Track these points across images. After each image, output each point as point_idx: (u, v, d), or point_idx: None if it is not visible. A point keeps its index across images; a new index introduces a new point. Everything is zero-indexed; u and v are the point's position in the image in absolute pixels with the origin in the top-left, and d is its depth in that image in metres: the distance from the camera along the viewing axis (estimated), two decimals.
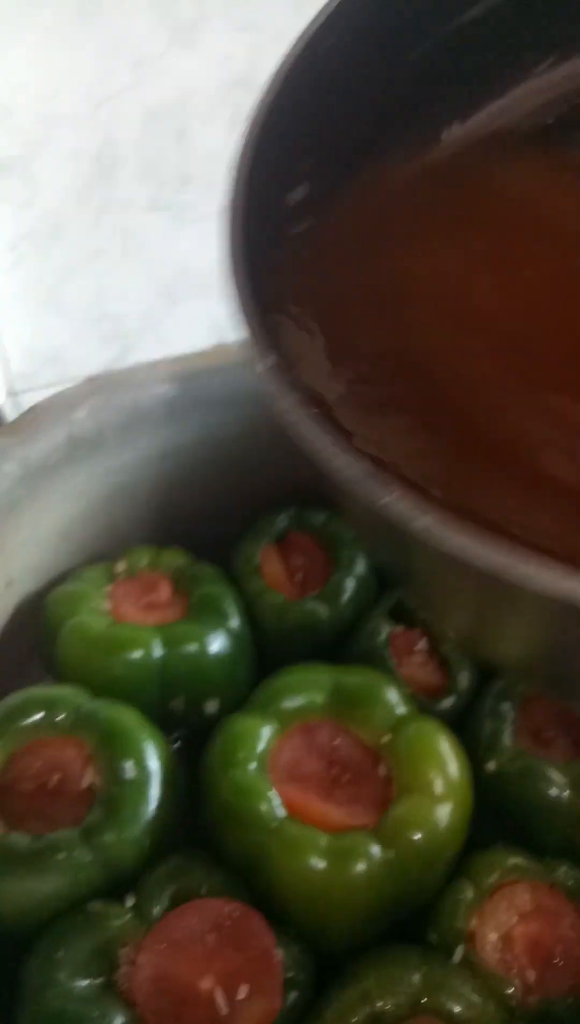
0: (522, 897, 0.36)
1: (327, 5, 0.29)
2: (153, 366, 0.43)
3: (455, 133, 0.32)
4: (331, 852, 0.34)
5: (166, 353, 0.75)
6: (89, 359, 0.71)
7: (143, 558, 0.45)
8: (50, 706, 0.38)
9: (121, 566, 0.45)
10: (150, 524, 0.47)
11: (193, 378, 0.44)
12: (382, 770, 0.37)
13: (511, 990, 0.34)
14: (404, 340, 0.25)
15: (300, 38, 0.29)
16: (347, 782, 0.36)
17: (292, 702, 0.38)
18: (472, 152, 0.32)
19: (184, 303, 0.72)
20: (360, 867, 0.34)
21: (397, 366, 0.24)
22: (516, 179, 0.32)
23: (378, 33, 0.28)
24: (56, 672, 0.41)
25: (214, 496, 0.48)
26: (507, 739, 0.40)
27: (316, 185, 0.29)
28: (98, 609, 0.42)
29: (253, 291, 0.23)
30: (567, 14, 0.30)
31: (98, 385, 0.42)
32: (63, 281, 0.66)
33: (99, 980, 0.32)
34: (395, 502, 0.18)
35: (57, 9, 0.57)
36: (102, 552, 0.46)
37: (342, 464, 0.19)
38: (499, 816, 0.39)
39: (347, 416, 0.23)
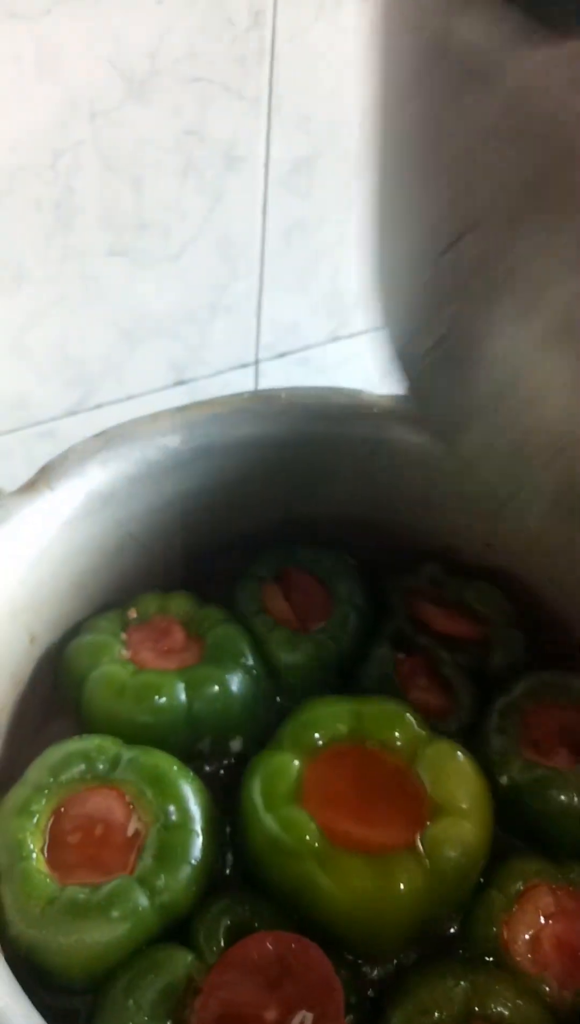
0: (545, 900, 0.39)
1: None
2: (155, 419, 0.44)
3: None
4: (376, 875, 0.36)
5: (127, 394, 0.76)
6: (54, 403, 0.71)
7: (152, 604, 0.47)
8: (88, 757, 0.38)
9: (133, 613, 0.46)
10: (156, 570, 0.48)
11: (194, 427, 0.45)
12: (410, 788, 0.39)
13: (547, 988, 0.36)
14: None
15: None
16: (380, 801, 0.39)
17: (318, 734, 0.40)
18: None
19: (143, 345, 0.73)
20: (403, 886, 0.36)
21: None
22: None
23: None
24: (81, 722, 0.42)
25: (215, 539, 0.50)
26: (516, 753, 0.43)
27: None
28: (119, 658, 0.43)
29: None
30: None
31: (107, 440, 0.43)
32: (27, 327, 0.66)
33: (169, 1022, 0.33)
34: None
35: (18, 65, 0.57)
36: (112, 601, 0.47)
37: None
38: (515, 825, 0.42)
39: None
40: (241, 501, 0.49)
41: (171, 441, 0.44)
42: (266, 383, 0.84)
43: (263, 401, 0.46)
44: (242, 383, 0.83)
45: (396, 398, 0.49)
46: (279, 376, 0.84)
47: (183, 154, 0.66)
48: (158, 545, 0.47)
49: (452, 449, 0.42)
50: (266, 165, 0.69)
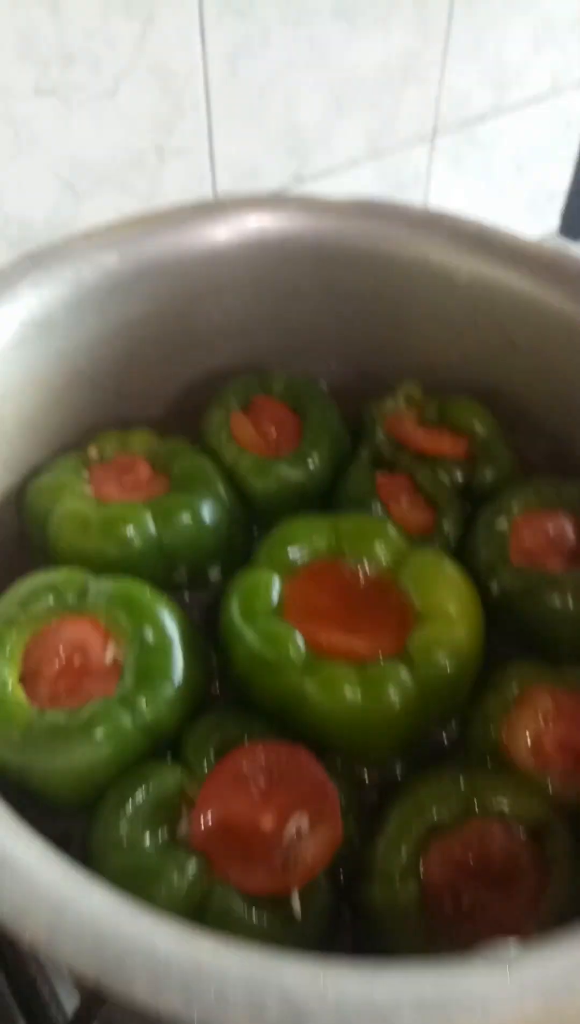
0: (544, 702, 0.37)
1: None
2: (88, 236, 0.41)
3: None
4: (364, 682, 0.34)
5: None
6: None
7: (112, 442, 0.44)
8: (57, 589, 0.37)
9: (93, 452, 0.43)
10: (113, 408, 0.45)
11: (132, 244, 0.41)
12: (395, 599, 0.37)
13: (549, 787, 0.35)
14: None
15: None
16: (365, 613, 0.37)
17: (296, 551, 0.39)
18: None
19: (89, 200, 0.68)
20: (393, 692, 0.34)
21: None
22: None
23: None
24: (49, 563, 0.40)
25: (173, 372, 0.47)
26: (505, 562, 0.41)
27: None
28: (83, 495, 0.41)
29: None
30: None
31: (36, 261, 0.39)
32: None
33: (164, 836, 0.32)
34: None
35: None
36: (69, 442, 0.44)
37: None
38: (508, 634, 0.40)
39: None
40: (197, 329, 0.46)
41: (108, 259, 0.40)
42: None
43: (210, 211, 0.42)
44: None
45: (358, 202, 0.45)
46: None
47: None
48: (110, 382, 0.44)
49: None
50: None
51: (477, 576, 0.40)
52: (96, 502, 0.40)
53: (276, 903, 0.31)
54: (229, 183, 0.76)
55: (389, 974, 0.22)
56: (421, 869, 0.32)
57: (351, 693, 0.34)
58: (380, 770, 0.37)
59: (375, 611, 0.37)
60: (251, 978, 0.21)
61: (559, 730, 0.37)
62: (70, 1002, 0.39)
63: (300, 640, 0.35)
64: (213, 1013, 0.21)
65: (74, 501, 0.40)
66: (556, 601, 0.39)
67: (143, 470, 0.43)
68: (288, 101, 0.74)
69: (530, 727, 0.37)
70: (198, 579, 0.41)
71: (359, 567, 0.38)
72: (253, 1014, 0.21)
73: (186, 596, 0.41)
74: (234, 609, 0.36)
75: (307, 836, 0.32)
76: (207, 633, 0.38)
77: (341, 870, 0.33)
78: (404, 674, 0.35)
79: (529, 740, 0.37)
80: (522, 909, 0.31)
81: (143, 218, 0.42)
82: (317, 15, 0.70)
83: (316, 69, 0.73)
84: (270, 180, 0.79)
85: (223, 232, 0.43)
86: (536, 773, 0.36)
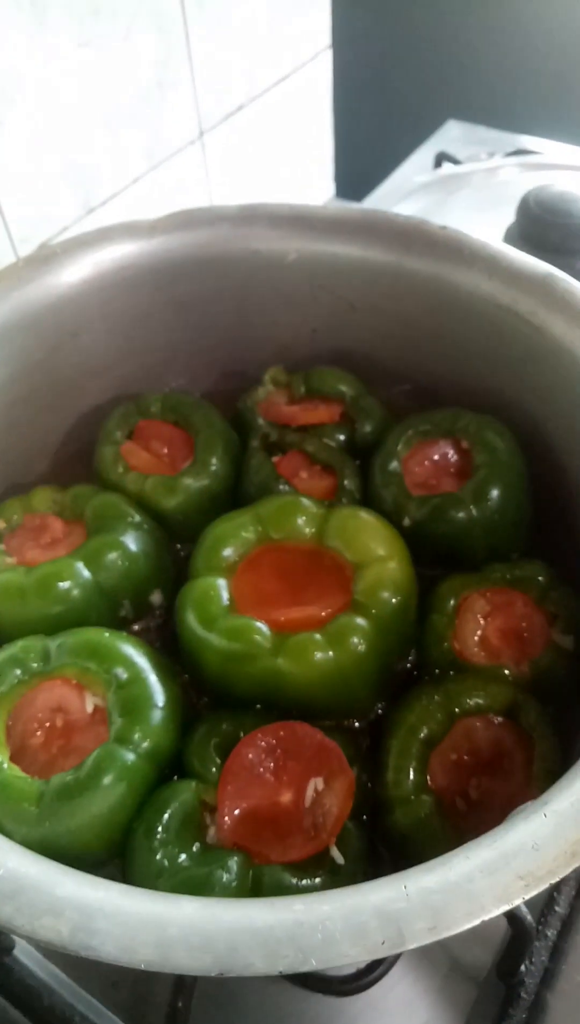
0: (479, 604, 0.42)
1: None
2: None
3: None
4: (329, 641, 0.37)
5: None
6: None
7: (15, 509, 0.45)
8: (18, 660, 0.37)
9: (1, 524, 0.44)
10: (3, 476, 0.46)
11: None
12: (330, 561, 0.41)
13: (507, 671, 0.40)
14: None
15: None
16: (309, 583, 0.40)
17: (229, 550, 0.41)
18: None
19: None
20: (356, 640, 0.38)
21: None
22: None
23: None
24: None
25: (51, 424, 0.48)
26: (407, 496, 0.45)
27: None
28: (8, 566, 0.42)
29: None
30: None
31: None
32: None
33: (199, 847, 0.34)
34: None
35: None
36: None
37: None
38: (430, 558, 0.44)
39: None
40: (62, 376, 0.47)
41: None
42: None
43: (46, 261, 0.44)
44: None
45: (175, 215, 0.47)
46: None
47: None
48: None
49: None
50: None
51: (388, 517, 0.43)
52: (24, 569, 0.41)
53: (319, 860, 0.34)
54: (26, 232, 0.76)
55: (450, 858, 0.25)
56: (428, 782, 0.36)
57: (322, 654, 0.37)
58: (365, 717, 0.40)
59: (316, 577, 0.40)
60: (345, 910, 0.24)
61: (498, 623, 0.42)
62: None
63: (262, 626, 0.38)
64: (326, 953, 0.23)
65: (2, 575, 0.41)
66: (461, 514, 0.43)
67: (56, 525, 0.44)
68: (59, 139, 0.75)
69: (474, 629, 0.41)
70: (142, 607, 0.43)
71: (288, 544, 0.41)
72: (358, 937, 0.23)
73: (135, 628, 0.43)
74: (192, 621, 0.38)
75: (325, 794, 0.35)
76: (166, 653, 0.40)
77: (363, 814, 0.36)
78: (359, 620, 0.38)
79: (477, 640, 0.41)
80: (522, 779, 0.36)
81: None
82: (59, 49, 0.71)
83: (77, 103, 0.74)
84: (64, 218, 0.79)
85: (63, 277, 0.45)
86: (492, 665, 0.40)
